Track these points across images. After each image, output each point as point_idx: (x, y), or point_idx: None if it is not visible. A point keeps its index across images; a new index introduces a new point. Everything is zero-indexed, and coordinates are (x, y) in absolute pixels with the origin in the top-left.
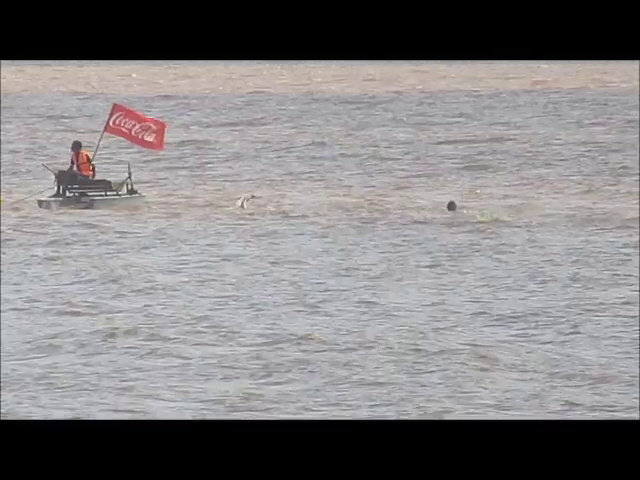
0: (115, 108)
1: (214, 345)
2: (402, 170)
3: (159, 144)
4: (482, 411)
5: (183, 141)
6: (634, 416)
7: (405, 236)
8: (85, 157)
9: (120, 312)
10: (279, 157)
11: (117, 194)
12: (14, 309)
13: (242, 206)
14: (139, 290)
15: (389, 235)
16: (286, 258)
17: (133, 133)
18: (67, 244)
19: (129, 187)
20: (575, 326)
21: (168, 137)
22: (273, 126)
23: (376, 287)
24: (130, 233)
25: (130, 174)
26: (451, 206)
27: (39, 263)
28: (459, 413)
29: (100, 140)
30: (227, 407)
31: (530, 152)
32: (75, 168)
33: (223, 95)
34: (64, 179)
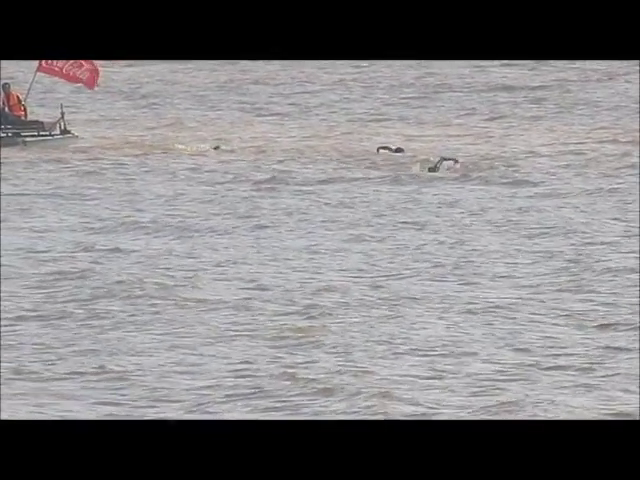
0: None
1: None
2: None
3: (91, 82)
4: None
5: None
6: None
7: None
8: (16, 98)
9: None
10: None
11: (50, 134)
12: None
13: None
14: None
15: None
16: None
17: (64, 70)
18: None
19: (62, 127)
20: None
21: None
22: None
23: None
24: None
25: (63, 114)
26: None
27: None
28: None
29: (33, 81)
30: None
31: None
32: (7, 109)
33: None
34: None
